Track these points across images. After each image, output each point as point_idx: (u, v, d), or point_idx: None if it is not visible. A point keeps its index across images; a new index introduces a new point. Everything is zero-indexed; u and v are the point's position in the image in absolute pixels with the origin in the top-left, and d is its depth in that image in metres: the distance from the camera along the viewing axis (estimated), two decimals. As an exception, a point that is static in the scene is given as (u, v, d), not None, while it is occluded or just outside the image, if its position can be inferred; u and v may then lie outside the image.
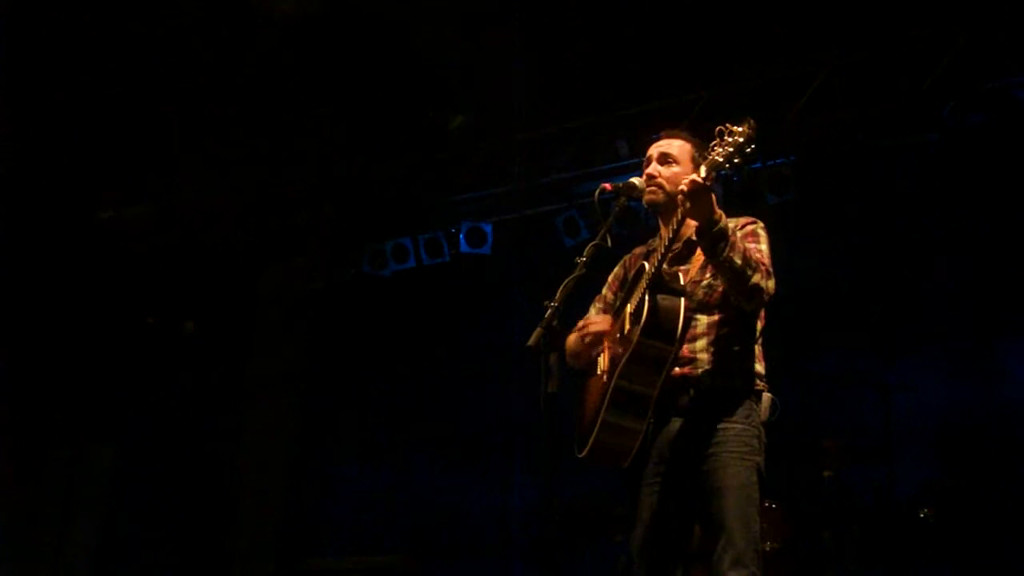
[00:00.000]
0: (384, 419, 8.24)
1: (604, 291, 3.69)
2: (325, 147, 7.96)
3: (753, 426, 3.22)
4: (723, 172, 3.04)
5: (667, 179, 3.39)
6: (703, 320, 3.26)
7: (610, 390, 3.21)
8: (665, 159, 3.44)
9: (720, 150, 3.01)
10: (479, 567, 7.52)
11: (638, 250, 3.62)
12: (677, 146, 3.46)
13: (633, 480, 3.30)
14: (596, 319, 3.49)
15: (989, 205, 6.41)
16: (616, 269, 3.68)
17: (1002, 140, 6.29)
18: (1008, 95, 6.11)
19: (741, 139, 2.99)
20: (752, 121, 3.00)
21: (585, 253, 3.19)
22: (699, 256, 3.33)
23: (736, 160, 3.00)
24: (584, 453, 3.33)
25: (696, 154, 3.43)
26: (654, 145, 3.50)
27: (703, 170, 3.02)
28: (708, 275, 3.29)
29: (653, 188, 3.40)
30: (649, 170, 3.43)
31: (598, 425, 3.23)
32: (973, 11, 6.12)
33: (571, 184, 7.49)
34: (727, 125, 3.03)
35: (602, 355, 3.45)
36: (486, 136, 7.70)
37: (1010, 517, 5.67)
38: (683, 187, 3.04)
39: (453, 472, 7.83)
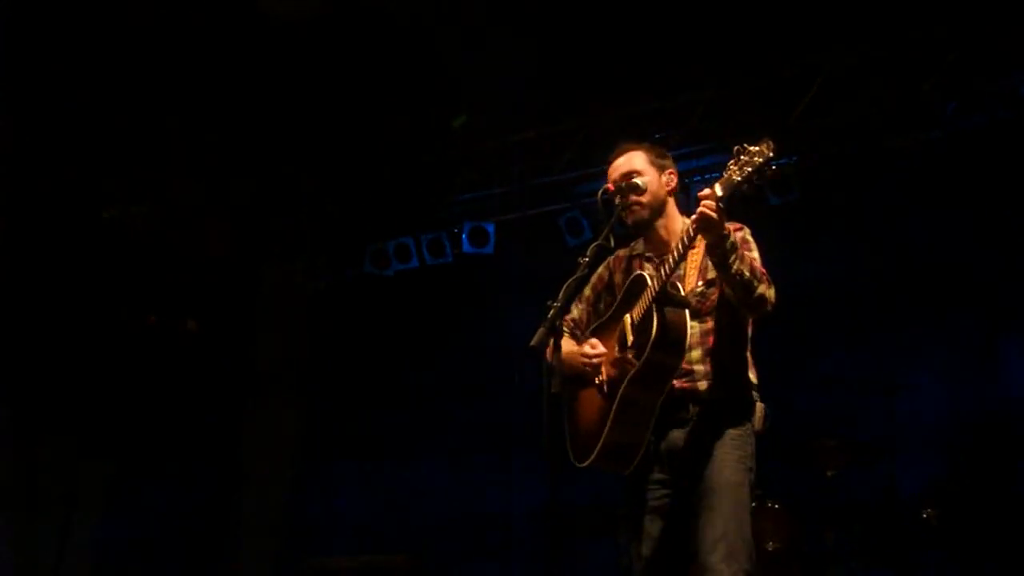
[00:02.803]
0: (386, 418, 8.23)
1: (586, 291, 3.67)
2: (328, 146, 7.96)
3: (747, 434, 3.26)
4: (738, 192, 3.01)
5: (643, 193, 3.38)
6: (696, 328, 3.27)
7: (616, 402, 3.22)
8: (629, 176, 3.41)
9: (736, 168, 2.98)
10: (481, 567, 7.51)
11: (621, 252, 3.60)
12: (636, 159, 3.46)
13: (635, 488, 3.31)
14: (589, 350, 3.43)
15: (992, 205, 6.40)
16: (600, 270, 3.66)
17: (1005, 139, 6.29)
18: (1014, 94, 6.11)
19: (759, 159, 2.95)
20: (771, 142, 2.96)
21: (588, 253, 3.19)
22: (692, 263, 3.32)
23: (754, 180, 2.97)
24: (588, 463, 3.32)
25: (652, 157, 3.46)
26: (611, 167, 3.50)
27: (719, 188, 3.00)
28: (701, 283, 3.30)
29: (634, 210, 3.39)
30: (629, 199, 3.39)
31: (603, 437, 3.24)
32: (975, 11, 6.12)
33: (574, 184, 7.49)
34: (744, 145, 2.99)
35: (601, 365, 3.43)
36: (489, 136, 7.69)
37: (1013, 517, 5.67)
38: (698, 214, 3.00)
39: (455, 471, 7.84)
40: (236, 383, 8.47)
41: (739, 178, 2.97)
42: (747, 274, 3.07)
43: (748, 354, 3.34)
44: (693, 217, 3.05)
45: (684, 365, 3.23)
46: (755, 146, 2.97)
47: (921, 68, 6.29)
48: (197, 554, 7.87)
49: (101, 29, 6.54)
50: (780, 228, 3.40)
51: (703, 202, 3.01)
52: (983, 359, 6.40)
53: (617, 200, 3.39)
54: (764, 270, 3.20)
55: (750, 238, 3.32)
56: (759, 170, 2.96)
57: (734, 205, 3.10)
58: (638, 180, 3.40)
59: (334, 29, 6.68)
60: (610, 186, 3.40)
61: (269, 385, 8.60)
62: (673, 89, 6.93)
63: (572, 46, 6.71)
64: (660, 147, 3.56)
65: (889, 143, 6.56)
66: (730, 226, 3.22)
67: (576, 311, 3.67)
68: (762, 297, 3.12)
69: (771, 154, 2.95)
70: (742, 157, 2.98)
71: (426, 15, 6.59)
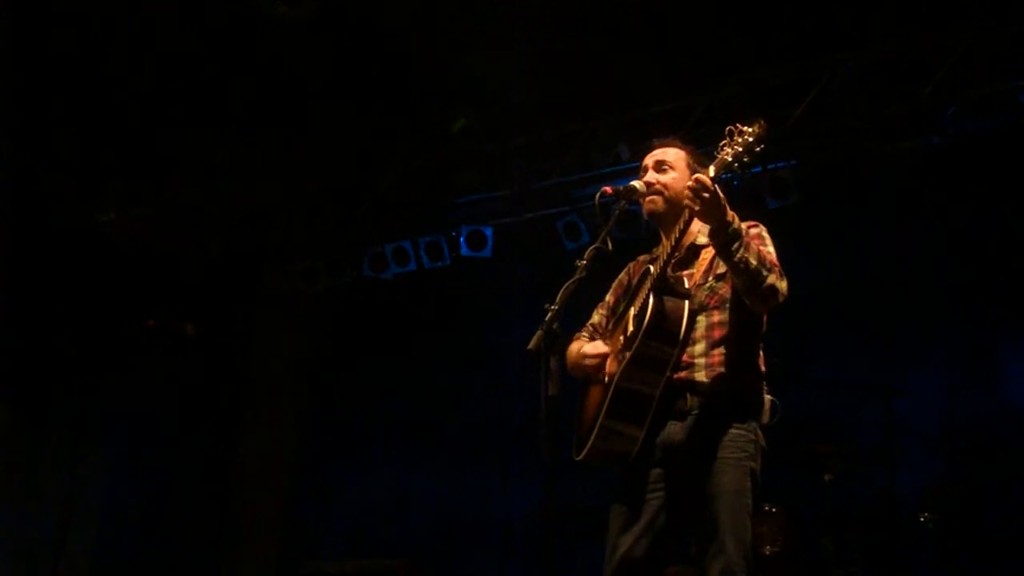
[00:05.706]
0: (384, 422, 8.23)
1: (607, 297, 3.68)
2: (326, 150, 7.96)
3: (750, 430, 3.20)
4: (731, 173, 3.03)
5: (665, 185, 3.39)
6: (702, 322, 3.25)
7: (611, 392, 3.20)
8: (661, 166, 3.43)
9: (729, 149, 3.00)
10: (479, 570, 7.50)
11: (642, 257, 3.61)
12: (672, 154, 3.45)
13: (629, 483, 3.28)
14: (590, 349, 3.44)
15: (990, 209, 6.40)
16: (620, 276, 3.67)
17: (1003, 144, 6.29)
18: (1011, 99, 6.11)
19: (751, 139, 2.98)
20: (763, 121, 2.99)
21: (586, 256, 3.17)
22: (702, 260, 3.32)
23: (745, 159, 2.99)
24: (582, 456, 3.31)
25: (691, 160, 3.43)
26: (648, 155, 3.50)
27: (712, 169, 3.02)
28: (711, 278, 3.29)
29: (652, 197, 3.39)
30: (647, 178, 3.41)
31: (597, 429, 3.22)
32: (975, 15, 6.12)
33: (572, 187, 7.48)
34: (737, 125, 3.02)
35: (604, 363, 3.43)
36: (487, 139, 7.70)
37: (1011, 522, 5.67)
38: (690, 183, 3.01)
39: (453, 475, 7.82)
40: (234, 386, 8.46)
41: (731, 158, 2.99)
42: (753, 263, 3.04)
43: (760, 349, 3.31)
44: (687, 185, 3.04)
45: (686, 358, 3.21)
46: (748, 126, 2.99)
47: (920, 73, 6.29)
48: (196, 557, 7.85)
49: (98, 30, 6.54)
50: (778, 232, 3.38)
51: (696, 175, 3.02)
52: (982, 364, 6.40)
53: (641, 186, 3.38)
54: (777, 263, 3.18)
55: (766, 235, 3.30)
56: (751, 149, 2.97)
57: (733, 208, 3.10)
58: (661, 173, 3.40)
59: (332, 30, 6.68)
60: (607, 189, 3.39)
61: (267, 389, 8.59)
62: (671, 92, 6.94)
63: (571, 49, 6.70)
64: (704, 158, 3.48)
65: (888, 147, 6.57)
66: (745, 224, 3.22)
67: (597, 316, 3.68)
68: (772, 288, 3.09)
69: (763, 133, 2.97)
70: (736, 137, 3.00)
71: (425, 17, 6.59)
